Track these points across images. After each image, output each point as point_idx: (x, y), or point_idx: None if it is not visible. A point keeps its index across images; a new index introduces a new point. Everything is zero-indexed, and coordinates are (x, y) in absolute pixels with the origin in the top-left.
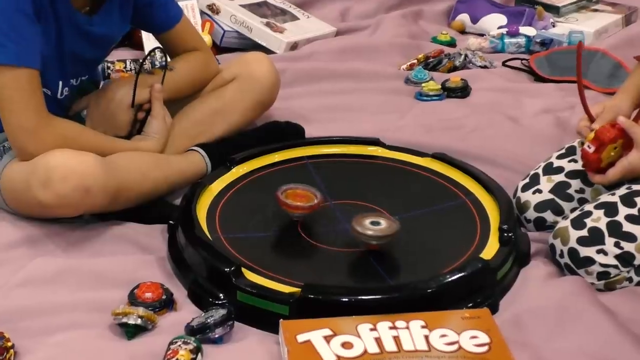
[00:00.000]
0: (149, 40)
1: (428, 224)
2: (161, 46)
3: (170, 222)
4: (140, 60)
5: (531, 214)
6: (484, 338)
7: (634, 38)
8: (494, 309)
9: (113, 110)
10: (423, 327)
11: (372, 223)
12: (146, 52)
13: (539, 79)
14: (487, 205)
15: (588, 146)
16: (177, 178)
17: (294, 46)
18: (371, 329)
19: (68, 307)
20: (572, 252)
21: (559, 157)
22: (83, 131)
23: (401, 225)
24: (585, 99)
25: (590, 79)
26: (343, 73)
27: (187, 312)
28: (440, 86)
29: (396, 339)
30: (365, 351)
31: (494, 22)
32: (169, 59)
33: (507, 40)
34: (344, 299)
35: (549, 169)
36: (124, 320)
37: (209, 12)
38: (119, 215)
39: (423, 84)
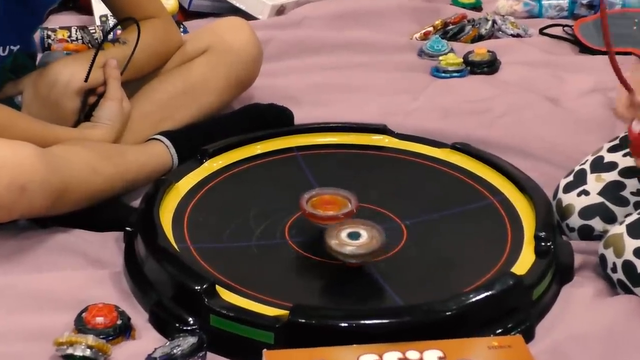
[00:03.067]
0: (99, 4)
1: (447, 231)
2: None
3: (127, 228)
4: (107, 29)
5: (575, 220)
6: None
7: None
8: (528, 336)
9: (57, 97)
10: (441, 358)
11: (350, 235)
12: (96, 17)
13: (585, 49)
14: (520, 208)
15: (636, 124)
16: (136, 174)
17: (280, 10)
18: None
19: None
20: (628, 266)
21: (611, 149)
22: (16, 117)
23: (409, 231)
24: (617, 65)
25: None
26: (341, 44)
27: (148, 341)
28: (461, 60)
29: None
30: None
31: None
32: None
33: (545, 2)
34: (342, 324)
35: (599, 165)
36: (69, 351)
37: None
38: (63, 220)
39: (441, 57)
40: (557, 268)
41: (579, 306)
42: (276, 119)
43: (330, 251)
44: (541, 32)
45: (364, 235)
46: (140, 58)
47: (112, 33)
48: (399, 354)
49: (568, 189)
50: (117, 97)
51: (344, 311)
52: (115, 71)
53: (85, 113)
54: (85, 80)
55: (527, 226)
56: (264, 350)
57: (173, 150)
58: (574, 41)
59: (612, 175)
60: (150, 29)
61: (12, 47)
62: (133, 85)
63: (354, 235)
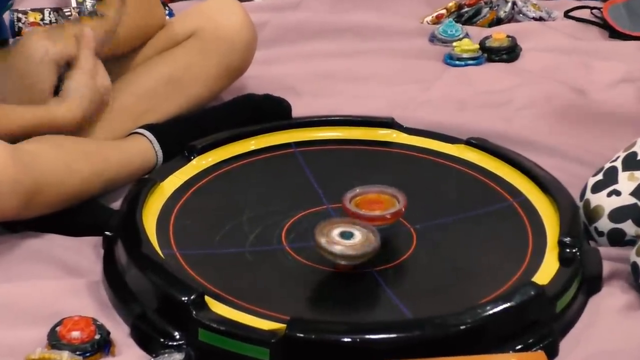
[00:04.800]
0: None
1: (461, 236)
2: None
3: (107, 233)
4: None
5: (605, 223)
6: None
7: None
8: (552, 353)
9: (32, 71)
10: None
11: (343, 235)
12: None
13: (615, 34)
14: (542, 210)
15: None
16: (116, 172)
17: None
18: None
19: None
20: None
21: None
22: None
23: (419, 236)
24: None
25: None
26: (344, 28)
27: (129, 358)
28: (478, 46)
29: None
30: None
31: None
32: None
33: None
34: (344, 339)
35: (631, 162)
36: None
37: None
38: (36, 224)
39: (455, 43)
40: (583, 277)
41: (608, 320)
42: (272, 112)
43: (318, 248)
44: (566, 14)
45: (358, 235)
46: (118, 32)
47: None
48: None
49: (597, 188)
50: (86, 68)
51: (346, 325)
52: (89, 42)
53: (56, 88)
54: None
55: (550, 231)
56: None
57: (157, 146)
58: (603, 25)
59: None
60: (131, 2)
61: None
62: (113, 71)
63: (347, 235)
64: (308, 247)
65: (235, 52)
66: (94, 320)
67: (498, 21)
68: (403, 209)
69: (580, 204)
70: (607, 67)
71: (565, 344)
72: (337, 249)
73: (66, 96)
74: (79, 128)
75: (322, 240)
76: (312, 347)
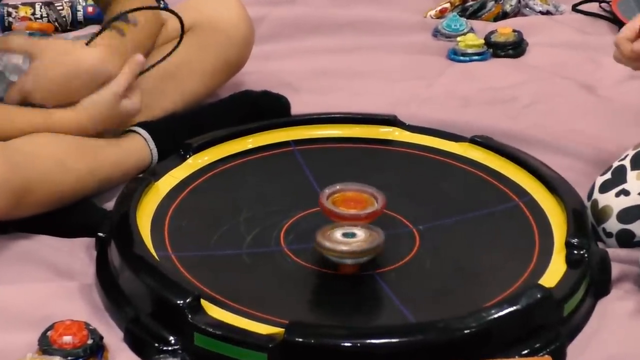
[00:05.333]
0: None
1: (465, 237)
2: None
3: (100, 234)
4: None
5: (613, 224)
6: None
7: None
8: (559, 358)
9: (80, 86)
10: None
11: (345, 235)
12: None
13: None
14: (549, 210)
15: None
16: (109, 171)
17: None
18: None
19: None
20: None
21: None
22: None
23: (422, 237)
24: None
25: None
26: (344, 23)
27: None
28: (483, 41)
29: None
30: None
31: None
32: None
33: None
34: (345, 344)
35: None
36: None
37: None
38: (26, 224)
39: (459, 38)
40: (591, 280)
41: (617, 323)
42: (270, 109)
43: (323, 250)
44: (574, 8)
45: (360, 234)
46: (146, 41)
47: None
48: None
49: (605, 188)
50: (117, 90)
51: (347, 329)
52: (135, 67)
53: None
54: None
55: (557, 232)
56: None
57: (152, 144)
58: (612, 19)
59: None
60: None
61: None
62: None
63: (349, 235)
64: (307, 249)
65: (232, 48)
66: (87, 325)
67: (504, 15)
68: (380, 210)
69: (588, 204)
70: (616, 63)
71: (572, 349)
72: (342, 247)
73: (82, 106)
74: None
75: (327, 243)
76: (312, 352)
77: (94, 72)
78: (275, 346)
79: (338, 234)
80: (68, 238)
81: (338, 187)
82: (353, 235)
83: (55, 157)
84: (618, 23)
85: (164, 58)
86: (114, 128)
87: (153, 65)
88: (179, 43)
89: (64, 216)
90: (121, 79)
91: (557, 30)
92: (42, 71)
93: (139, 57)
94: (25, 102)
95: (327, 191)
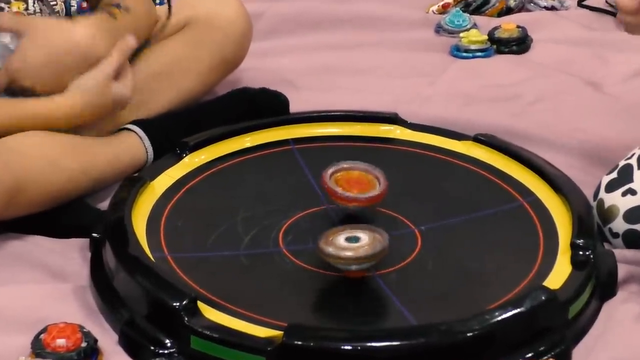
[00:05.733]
0: None
1: (468, 238)
2: None
3: (94, 235)
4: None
5: (619, 224)
6: None
7: None
8: None
9: (71, 63)
10: None
11: (349, 239)
12: None
13: None
14: (554, 210)
15: None
16: (104, 170)
17: None
18: None
19: None
20: None
21: None
22: None
23: (424, 238)
24: None
25: None
26: (345, 18)
27: None
28: (486, 37)
29: None
30: None
31: None
32: None
33: None
34: (345, 347)
35: None
36: None
37: None
38: (18, 224)
39: (462, 34)
40: (597, 281)
41: (623, 326)
42: (269, 106)
43: (327, 258)
44: (580, 4)
45: (364, 238)
46: (140, 29)
47: None
48: None
49: (611, 187)
50: (107, 71)
51: (347, 332)
52: (126, 49)
53: None
54: None
55: (562, 232)
56: None
57: (148, 143)
58: None
59: None
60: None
61: None
62: None
63: (353, 240)
64: (306, 250)
65: (230, 44)
66: (81, 327)
67: (508, 10)
68: (383, 194)
69: (593, 204)
70: (622, 60)
71: (578, 352)
72: (347, 254)
73: (71, 91)
74: (76, 125)
75: (330, 249)
76: (311, 356)
77: (84, 50)
78: (274, 349)
79: (341, 238)
80: (61, 239)
81: (343, 165)
82: (357, 239)
83: (48, 156)
84: None
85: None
86: (106, 116)
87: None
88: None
89: (56, 216)
90: (112, 60)
91: (562, 26)
92: (31, 49)
93: (130, 39)
94: (13, 85)
95: (331, 169)
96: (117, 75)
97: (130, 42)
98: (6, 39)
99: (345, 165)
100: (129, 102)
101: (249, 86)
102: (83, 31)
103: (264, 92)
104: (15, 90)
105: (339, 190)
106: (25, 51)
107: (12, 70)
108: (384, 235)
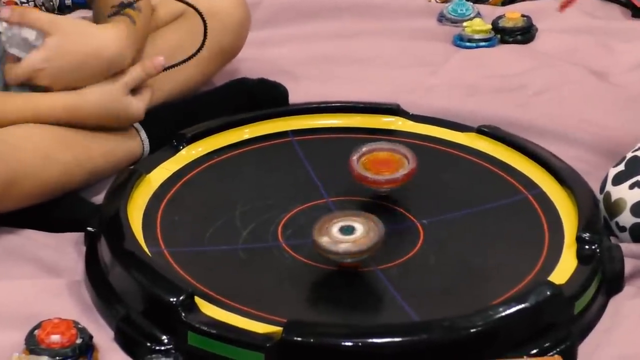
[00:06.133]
0: None
1: (471, 232)
2: None
3: (89, 229)
4: None
5: (627, 217)
6: None
7: None
8: (570, 357)
9: (95, 71)
10: None
11: (343, 230)
12: None
13: (638, 13)
14: (559, 204)
15: None
16: (98, 162)
17: None
18: None
19: None
20: None
21: None
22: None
23: (427, 232)
24: None
25: None
26: (344, 7)
27: None
28: (490, 26)
29: None
30: None
31: None
32: None
33: None
34: (346, 343)
35: None
36: None
37: None
38: (11, 218)
39: (465, 23)
40: (603, 276)
41: (630, 322)
42: (267, 97)
43: (321, 250)
44: None
45: (359, 228)
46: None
47: None
48: None
49: (618, 180)
50: (126, 80)
51: (347, 328)
52: (152, 68)
53: None
54: None
55: (568, 226)
56: None
57: (144, 135)
58: (625, 3)
59: None
60: None
61: None
62: None
63: (348, 230)
64: (306, 244)
65: (227, 33)
66: (75, 323)
67: (511, 0)
68: (413, 170)
69: (600, 197)
70: (629, 49)
71: (584, 348)
72: (341, 247)
73: (86, 90)
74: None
75: (323, 241)
76: (311, 352)
77: (112, 59)
78: (273, 346)
79: (335, 228)
80: (55, 233)
81: (366, 147)
82: (351, 230)
83: (42, 148)
84: (632, 7)
85: (186, 60)
86: (110, 126)
87: (172, 66)
88: (203, 42)
89: (51, 210)
90: (134, 73)
91: (568, 14)
92: (57, 52)
93: (159, 60)
94: (29, 82)
95: (356, 155)
96: (136, 90)
97: (159, 61)
98: (32, 35)
99: (370, 148)
100: (139, 119)
101: (247, 77)
102: (115, 42)
103: (263, 82)
104: (26, 85)
105: (369, 174)
106: (51, 53)
107: (34, 68)
108: (379, 225)
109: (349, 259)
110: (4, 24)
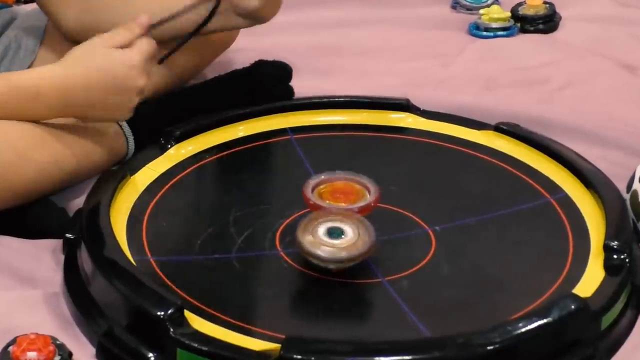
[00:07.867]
0: None
1: (488, 240)
2: None
3: (68, 235)
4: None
5: None
6: None
7: None
8: None
9: (111, 92)
10: None
11: (331, 233)
12: None
13: None
14: (585, 209)
15: None
16: (78, 162)
17: None
18: None
19: None
20: None
21: None
22: None
23: (439, 239)
24: None
25: None
26: None
27: None
28: (509, 14)
29: None
30: None
31: None
32: None
33: None
34: None
35: None
36: None
37: None
38: None
39: (482, 11)
40: (633, 288)
41: None
42: (268, 78)
43: (302, 250)
44: None
45: (348, 232)
46: None
47: None
48: None
49: None
50: (104, 37)
51: (352, 344)
52: (136, 28)
53: None
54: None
55: (594, 233)
56: None
57: (129, 132)
58: None
59: None
60: None
61: None
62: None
63: (336, 233)
64: None
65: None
66: (53, 339)
67: None
68: (374, 204)
69: (627, 197)
70: None
71: None
72: (324, 252)
73: (69, 57)
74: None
75: (306, 242)
76: None
77: (129, 87)
78: None
79: (322, 229)
80: (31, 239)
81: (324, 176)
82: (340, 233)
83: (14, 145)
84: None
85: (192, 34)
86: (123, 93)
87: (179, 46)
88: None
89: (26, 214)
90: (118, 33)
91: (594, 1)
92: (78, 70)
93: (143, 17)
94: None
95: (312, 182)
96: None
97: (143, 19)
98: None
99: (323, 177)
100: (146, 71)
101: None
102: (141, 77)
103: (261, 63)
104: None
105: (326, 203)
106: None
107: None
108: (370, 230)
109: (332, 266)
110: None
